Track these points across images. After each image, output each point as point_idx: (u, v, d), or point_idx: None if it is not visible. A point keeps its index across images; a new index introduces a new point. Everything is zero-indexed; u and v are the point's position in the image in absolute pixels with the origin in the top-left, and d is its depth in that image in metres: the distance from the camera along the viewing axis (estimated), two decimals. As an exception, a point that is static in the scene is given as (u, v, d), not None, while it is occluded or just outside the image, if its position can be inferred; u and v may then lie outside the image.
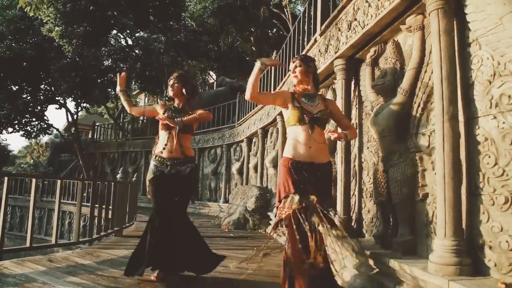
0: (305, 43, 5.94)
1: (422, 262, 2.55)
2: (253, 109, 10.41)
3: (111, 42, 19.79)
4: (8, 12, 16.59)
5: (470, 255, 2.30)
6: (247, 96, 2.70)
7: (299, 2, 21.34)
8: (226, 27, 20.63)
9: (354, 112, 4.13)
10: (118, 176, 7.04)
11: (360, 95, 4.01)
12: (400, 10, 3.07)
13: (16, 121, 18.42)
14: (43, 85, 18.23)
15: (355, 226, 3.96)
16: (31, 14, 13.40)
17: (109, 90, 19.88)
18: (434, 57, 2.54)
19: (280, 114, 7.53)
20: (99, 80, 17.69)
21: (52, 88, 17.93)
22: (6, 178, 4.12)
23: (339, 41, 4.06)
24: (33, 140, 29.22)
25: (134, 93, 30.60)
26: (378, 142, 3.30)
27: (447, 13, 2.49)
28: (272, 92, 2.90)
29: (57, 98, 18.48)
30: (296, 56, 2.96)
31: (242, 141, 11.39)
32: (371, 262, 3.06)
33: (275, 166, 8.29)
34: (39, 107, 18.72)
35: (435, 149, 2.52)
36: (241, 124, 11.70)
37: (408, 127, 3.07)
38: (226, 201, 11.44)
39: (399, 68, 3.27)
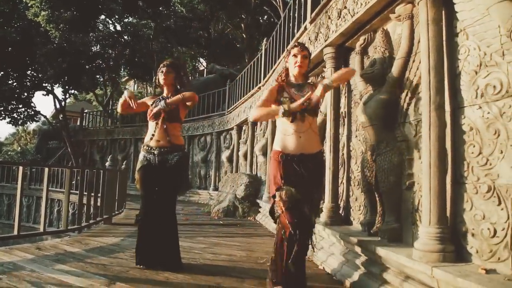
0: (296, 30, 5.91)
1: (408, 249, 2.60)
2: (243, 96, 10.38)
3: (99, 27, 19.49)
4: (-10, -5, 16.19)
5: (453, 242, 2.34)
6: (251, 120, 2.68)
7: (290, -12, 21.14)
8: (217, 13, 20.44)
9: (343, 101, 4.15)
10: (107, 163, 7.00)
11: (349, 84, 4.02)
12: (390, -1, 3.07)
13: (2, 108, 18.12)
14: (29, 71, 17.90)
15: (343, 214, 4.01)
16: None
17: (98, 76, 19.67)
18: (422, 46, 2.55)
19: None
20: (87, 66, 17.47)
21: (39, 74, 17.62)
22: (-8, 166, 4.07)
23: (329, 29, 4.05)
24: (20, 127, 28.84)
25: (123, 80, 30.30)
26: (367, 130, 3.33)
27: (436, 2, 2.50)
28: (264, 100, 2.80)
29: (44, 84, 18.18)
30: (293, 44, 2.88)
31: (232, 128, 11.38)
32: (358, 249, 3.12)
33: (264, 154, 8.31)
34: (25, 94, 18.42)
35: (422, 138, 2.55)
36: (231, 112, 11.68)
37: (396, 116, 3.09)
38: (216, 188, 11.47)
39: (388, 57, 3.28)
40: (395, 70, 3.07)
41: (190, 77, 22.38)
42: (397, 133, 3.04)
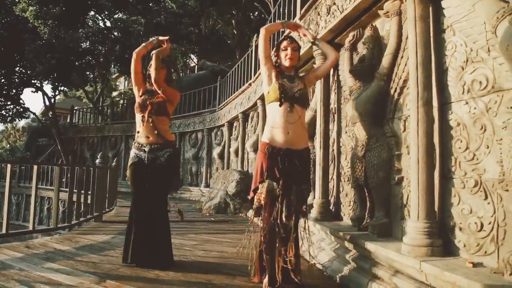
0: (286, 27, 5.90)
1: (397, 243, 2.62)
2: (234, 93, 10.37)
3: (89, 23, 19.28)
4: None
5: (441, 236, 2.37)
6: (261, 34, 2.88)
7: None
8: (207, 9, 20.31)
9: (333, 97, 4.16)
10: (97, 161, 6.95)
11: (339, 80, 4.03)
12: (378, -5, 3.08)
13: (-10, 105, 17.90)
14: (18, 67, 17.65)
15: (333, 210, 4.03)
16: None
17: (88, 73, 19.46)
18: (410, 42, 2.56)
19: (261, 98, 7.52)
20: (77, 63, 17.27)
21: (28, 70, 17.39)
22: (-21, 164, 4.02)
23: (319, 26, 4.06)
24: (9, 124, 28.49)
25: (114, 76, 30.05)
26: (356, 126, 3.34)
27: (423, -1, 2.52)
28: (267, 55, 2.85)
29: (33, 81, 17.94)
30: (282, 38, 2.92)
31: (223, 125, 11.36)
32: (348, 244, 3.14)
33: (255, 150, 8.32)
34: (14, 90, 18.13)
35: (410, 133, 2.57)
36: (222, 108, 11.65)
37: (385, 111, 3.11)
38: (207, 185, 11.46)
39: (377, 53, 3.29)
40: (383, 66, 3.09)
41: (181, 74, 22.29)
42: (386, 129, 3.06)
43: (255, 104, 8.27)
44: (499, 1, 1.98)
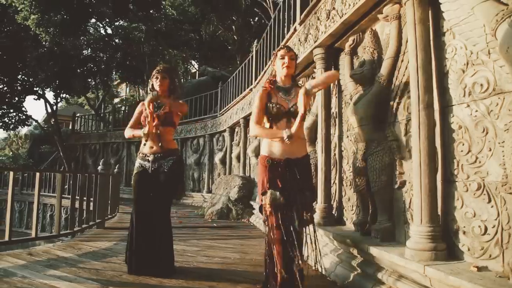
0: (285, 32, 5.92)
1: (400, 248, 2.61)
2: (235, 98, 10.38)
3: (90, 31, 19.37)
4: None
5: (445, 240, 2.36)
6: (251, 135, 2.71)
7: (280, -10, 21.19)
8: (208, 15, 20.40)
9: (334, 101, 4.16)
10: (99, 167, 6.96)
11: (339, 84, 4.04)
12: (377, -1, 3.09)
13: (-7, 113, 17.98)
14: (20, 75, 17.75)
15: (336, 214, 4.02)
16: (3, 1, 12.94)
17: (89, 80, 19.54)
18: (410, 46, 2.57)
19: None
20: (78, 70, 17.37)
21: (30, 78, 17.48)
22: (-18, 172, 4.03)
23: (318, 30, 4.07)
24: (12, 132, 28.57)
25: (115, 83, 30.17)
26: (357, 131, 3.34)
27: (422, 2, 2.52)
28: (258, 111, 2.79)
29: (35, 89, 18.06)
30: (280, 47, 2.89)
31: (224, 131, 11.36)
32: (351, 249, 3.13)
33: (257, 155, 8.29)
34: (16, 98, 18.25)
35: (412, 137, 2.56)
36: (223, 114, 11.66)
37: (386, 115, 3.11)
38: (209, 191, 11.44)
39: (377, 57, 3.30)
40: (384, 70, 3.09)
41: (182, 80, 22.35)
42: (388, 133, 3.06)
43: (256, 109, 8.26)
44: (498, 4, 1.98)
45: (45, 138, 21.01)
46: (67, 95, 20.77)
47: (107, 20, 18.83)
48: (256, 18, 21.95)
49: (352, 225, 3.54)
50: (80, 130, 19.77)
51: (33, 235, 4.60)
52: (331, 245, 3.56)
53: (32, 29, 14.32)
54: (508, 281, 1.86)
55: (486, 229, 2.14)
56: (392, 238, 2.94)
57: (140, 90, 27.14)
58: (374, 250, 2.73)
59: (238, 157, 10.08)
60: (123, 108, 22.88)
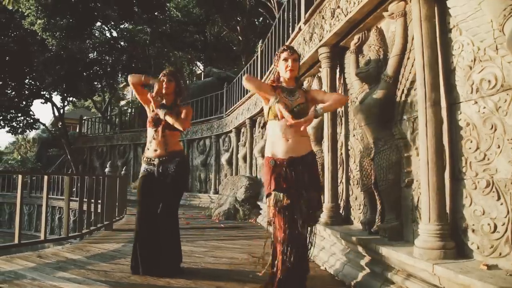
0: (290, 31, 5.91)
1: (408, 247, 2.59)
2: (240, 99, 10.38)
3: (96, 34, 19.47)
4: (-15, 6, 16.19)
5: (454, 238, 2.34)
6: (245, 82, 2.72)
7: (284, -10, 21.16)
8: (212, 17, 20.43)
9: (340, 100, 4.14)
10: (107, 170, 6.99)
11: (345, 83, 4.02)
12: (382, -3, 3.07)
13: (1, 117, 18.14)
14: (27, 80, 17.90)
15: (343, 213, 4.00)
16: (10, 7, 13.05)
17: (95, 83, 19.64)
18: (416, 43, 2.55)
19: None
20: (84, 73, 17.47)
21: (37, 82, 17.63)
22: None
23: (323, 29, 4.05)
24: (20, 135, 28.79)
25: (121, 85, 30.29)
26: (364, 129, 3.32)
27: (428, -1, 2.50)
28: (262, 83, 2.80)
29: (42, 93, 18.19)
30: (283, 48, 2.85)
31: (230, 131, 11.37)
32: (359, 248, 3.11)
33: (263, 155, 8.29)
34: (24, 102, 18.43)
35: (419, 135, 2.55)
36: (229, 115, 11.67)
37: (392, 113, 3.09)
38: (216, 192, 11.47)
39: (383, 55, 3.28)
40: (390, 68, 3.07)
41: (187, 81, 22.40)
42: (394, 131, 3.04)
43: (261, 109, 8.27)
44: (505, -1, 1.96)
45: (52, 141, 21.17)
46: (74, 99, 20.89)
47: (112, 23, 18.92)
48: (261, 18, 21.96)
49: (360, 224, 3.52)
50: (87, 133, 19.89)
51: (42, 237, 4.64)
52: (339, 245, 3.55)
53: (39, 34, 14.45)
54: (519, 279, 1.84)
55: (495, 227, 2.12)
56: (400, 237, 2.92)
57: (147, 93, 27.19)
58: (382, 249, 2.71)
59: (244, 158, 10.09)
60: (129, 110, 22.99)
